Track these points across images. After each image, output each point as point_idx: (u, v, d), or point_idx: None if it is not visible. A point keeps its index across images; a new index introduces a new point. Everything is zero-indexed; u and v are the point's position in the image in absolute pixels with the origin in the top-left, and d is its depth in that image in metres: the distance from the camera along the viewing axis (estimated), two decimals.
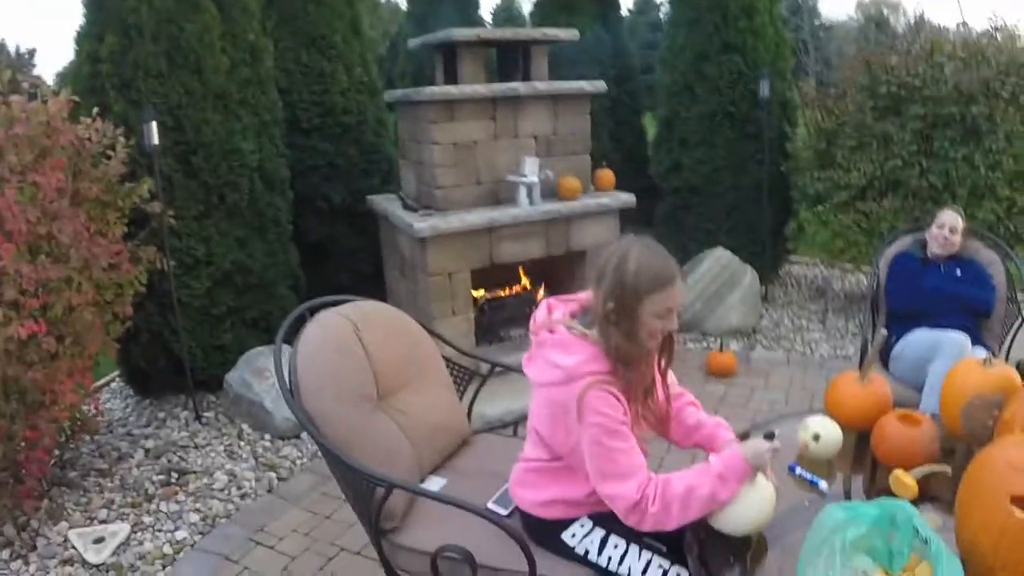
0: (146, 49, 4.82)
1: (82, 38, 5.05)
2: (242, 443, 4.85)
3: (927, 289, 4.34)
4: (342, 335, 2.80)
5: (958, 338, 4.00)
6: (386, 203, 5.87)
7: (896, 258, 4.64)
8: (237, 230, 5.31)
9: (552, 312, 2.47)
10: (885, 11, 42.42)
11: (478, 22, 9.07)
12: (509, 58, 5.96)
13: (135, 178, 4.61)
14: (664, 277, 2.23)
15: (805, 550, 2.00)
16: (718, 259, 6.78)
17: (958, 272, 4.39)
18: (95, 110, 4.44)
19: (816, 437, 2.75)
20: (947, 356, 3.84)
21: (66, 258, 3.83)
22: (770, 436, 2.27)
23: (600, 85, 5.91)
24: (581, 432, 2.24)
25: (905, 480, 2.49)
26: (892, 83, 6.31)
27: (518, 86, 5.54)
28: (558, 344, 2.35)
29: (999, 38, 6.70)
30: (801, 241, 7.39)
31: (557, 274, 6.04)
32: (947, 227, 4.44)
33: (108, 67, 4.85)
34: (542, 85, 5.65)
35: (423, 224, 5.07)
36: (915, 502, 2.40)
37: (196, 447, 4.78)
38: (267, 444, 4.84)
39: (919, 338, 4.17)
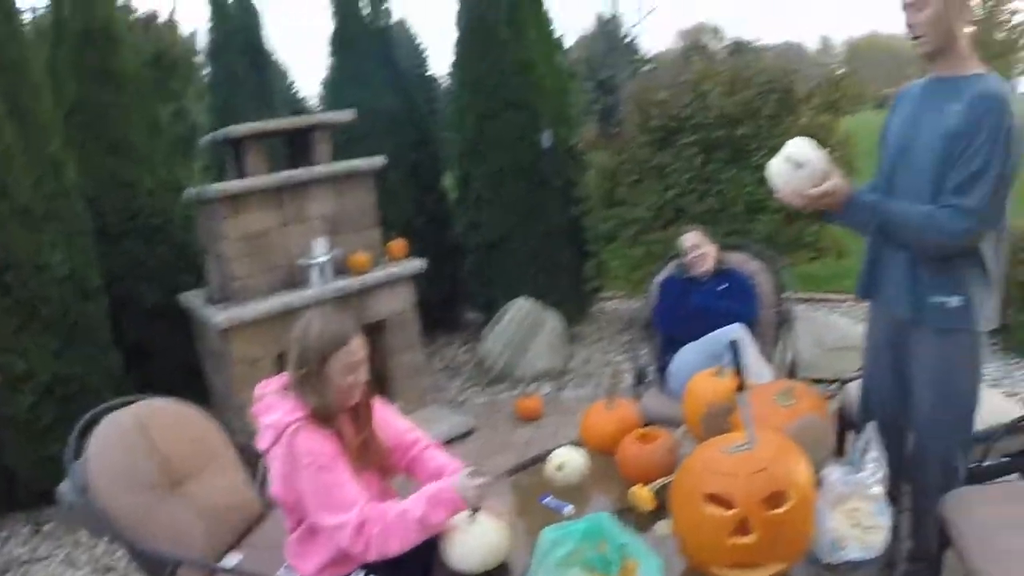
0: None
1: None
2: (80, 550, 4.83)
3: (692, 308, 4.52)
4: (128, 432, 3.02)
5: (731, 330, 4.24)
6: (194, 299, 5.84)
7: (663, 283, 4.84)
8: (53, 342, 5.21)
9: (267, 388, 2.59)
10: (706, 36, 43.92)
11: (278, 108, 9.11)
12: (296, 144, 6.06)
13: None
14: (341, 337, 2.44)
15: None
16: (520, 308, 6.90)
17: (723, 287, 4.59)
18: None
19: (560, 467, 2.92)
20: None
21: None
22: (478, 473, 2.41)
23: (376, 162, 6.02)
24: (298, 477, 2.35)
25: (641, 494, 2.64)
26: (662, 117, 6.61)
27: (300, 173, 5.62)
28: (265, 409, 2.50)
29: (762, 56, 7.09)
30: (607, 278, 7.64)
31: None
32: (690, 246, 4.70)
33: None
34: (322, 169, 5.74)
35: (221, 316, 5.09)
36: (656, 512, 2.59)
37: (38, 560, 4.77)
38: (104, 547, 4.82)
39: (690, 349, 4.34)
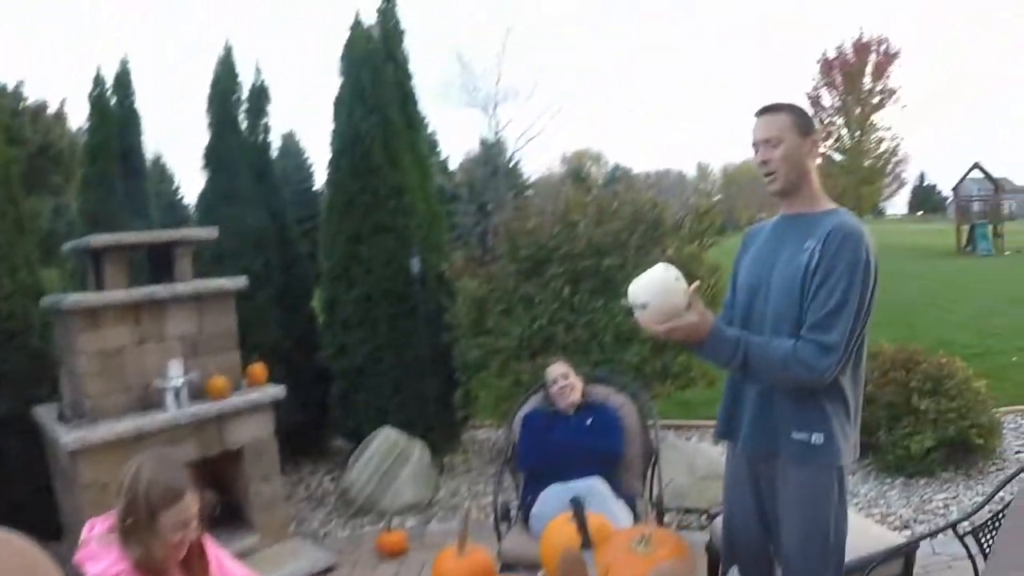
0: None
1: None
2: None
3: (555, 443, 4.41)
4: None
5: (587, 484, 4.10)
6: (46, 414, 5.54)
7: (526, 417, 4.74)
8: None
9: (93, 530, 2.42)
10: (588, 162, 45.07)
11: (156, 217, 8.81)
12: (158, 259, 5.86)
13: None
14: (174, 492, 2.29)
15: None
16: (386, 438, 6.69)
17: (588, 422, 4.50)
18: None
19: None
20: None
21: None
22: None
23: (240, 282, 5.86)
24: None
25: None
26: (531, 246, 6.60)
27: (158, 289, 5.40)
28: (89, 558, 2.32)
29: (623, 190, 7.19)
30: (476, 407, 7.52)
31: (224, 473, 5.82)
32: (557, 377, 4.63)
33: None
34: (183, 287, 5.54)
35: (70, 437, 4.80)
36: None
37: None
38: None
39: (553, 493, 4.18)
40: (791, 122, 2.77)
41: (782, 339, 2.67)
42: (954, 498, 5.71)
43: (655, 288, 2.68)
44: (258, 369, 5.99)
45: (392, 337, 7.38)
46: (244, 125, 8.11)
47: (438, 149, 25.17)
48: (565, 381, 4.61)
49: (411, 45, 8.19)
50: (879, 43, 40.81)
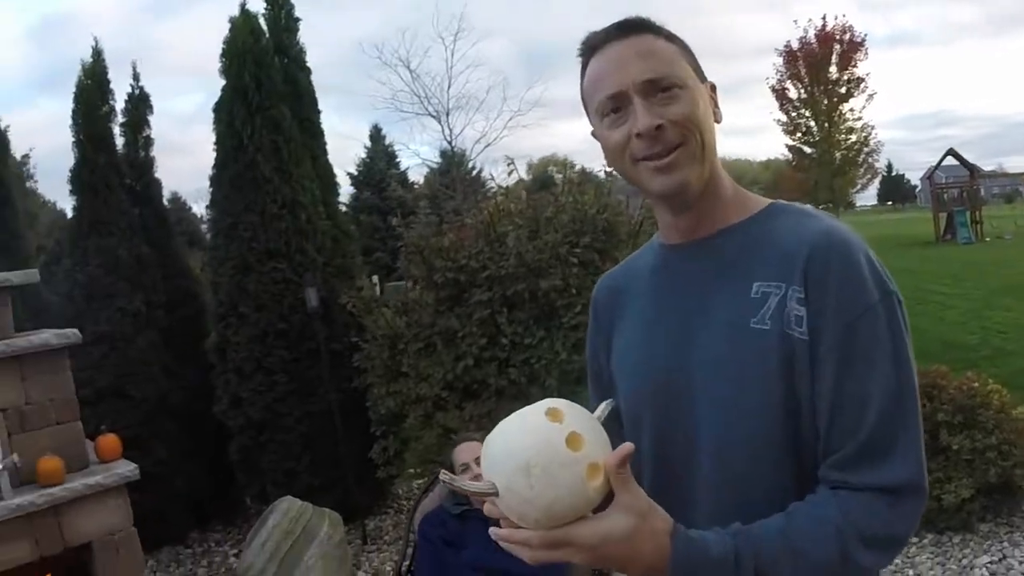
0: None
1: None
2: None
3: (464, 567, 3.14)
4: None
5: None
6: None
7: (424, 521, 3.47)
8: None
9: None
10: (552, 169, 43.96)
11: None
12: None
13: None
14: None
15: None
16: (285, 512, 5.36)
17: None
18: None
19: None
20: None
21: None
22: None
23: (70, 335, 4.66)
24: None
25: None
26: (451, 269, 5.33)
27: None
28: None
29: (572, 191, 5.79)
30: (401, 464, 6.18)
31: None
32: (469, 463, 3.35)
33: None
34: None
35: None
36: None
37: None
38: None
39: None
40: (680, 54, 1.39)
41: (803, 512, 1.26)
42: (1000, 560, 4.62)
43: (524, 457, 1.18)
44: (108, 442, 4.86)
45: (294, 384, 6.20)
46: (121, 141, 6.91)
47: (397, 160, 24.24)
48: (479, 469, 3.30)
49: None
50: (844, 31, 39.98)
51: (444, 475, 1.29)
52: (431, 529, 3.32)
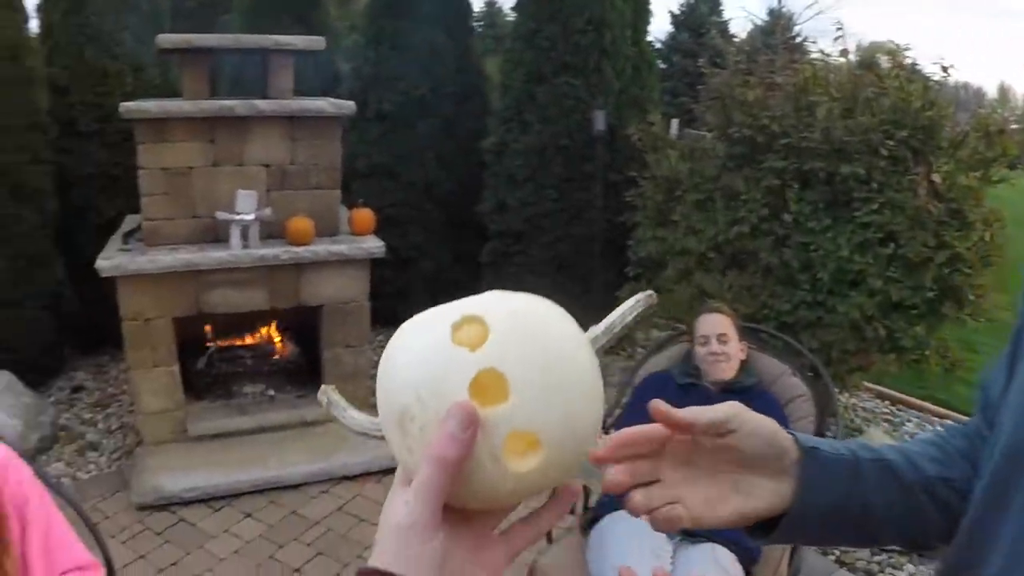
0: None
1: None
2: None
3: None
4: None
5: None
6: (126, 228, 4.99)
7: (649, 379, 3.24)
8: None
9: None
10: (881, 56, 41.27)
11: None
12: (249, 71, 5.18)
13: None
14: None
15: None
16: None
17: None
18: None
19: None
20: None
21: None
22: None
23: (345, 106, 4.75)
24: None
25: None
26: (747, 125, 4.90)
27: (236, 104, 4.52)
28: None
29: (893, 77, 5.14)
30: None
31: (310, 326, 5.10)
32: (711, 336, 3.07)
33: None
34: (266, 105, 4.58)
35: (106, 263, 4.25)
36: None
37: None
38: None
39: (622, 530, 2.69)
40: None
41: None
42: None
43: (401, 401, 0.68)
44: (362, 215, 4.96)
45: (563, 203, 6.09)
46: None
47: (721, 8, 23.28)
48: (721, 347, 3.06)
49: None
50: None
51: (323, 393, 0.71)
52: (654, 387, 3.11)
